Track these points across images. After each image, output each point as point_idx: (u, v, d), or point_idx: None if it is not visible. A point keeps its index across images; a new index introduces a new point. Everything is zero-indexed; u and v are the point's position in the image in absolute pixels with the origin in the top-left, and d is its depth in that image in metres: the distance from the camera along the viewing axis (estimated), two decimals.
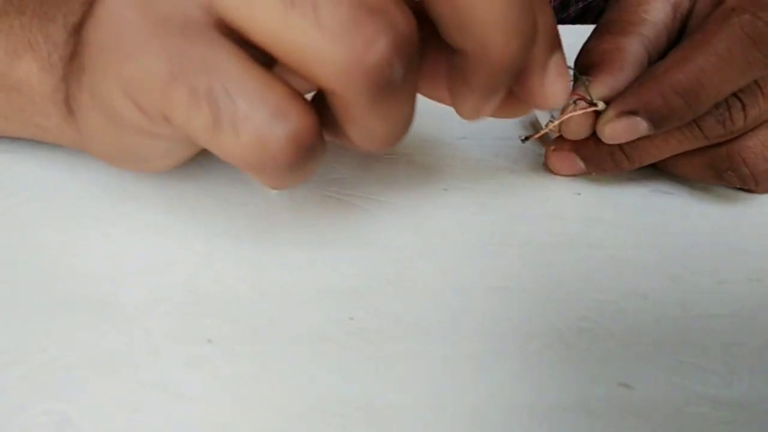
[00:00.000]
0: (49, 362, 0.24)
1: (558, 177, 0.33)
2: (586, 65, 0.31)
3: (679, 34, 0.32)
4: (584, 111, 0.30)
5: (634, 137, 0.29)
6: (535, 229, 0.31)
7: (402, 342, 0.26)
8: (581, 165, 0.32)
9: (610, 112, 0.30)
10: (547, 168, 0.33)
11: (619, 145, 0.30)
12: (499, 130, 0.37)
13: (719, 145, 0.30)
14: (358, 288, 0.28)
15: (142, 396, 0.23)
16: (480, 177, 0.33)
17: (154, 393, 0.23)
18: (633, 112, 0.29)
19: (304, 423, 0.23)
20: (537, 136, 0.32)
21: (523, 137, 0.33)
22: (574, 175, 0.33)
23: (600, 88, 0.30)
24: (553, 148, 0.33)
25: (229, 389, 0.24)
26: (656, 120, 0.29)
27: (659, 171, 0.33)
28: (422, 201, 0.32)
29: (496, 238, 0.30)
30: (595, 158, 0.32)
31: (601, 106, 0.30)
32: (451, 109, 0.40)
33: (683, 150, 0.30)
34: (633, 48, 0.31)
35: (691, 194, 0.32)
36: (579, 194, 0.33)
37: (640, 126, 0.29)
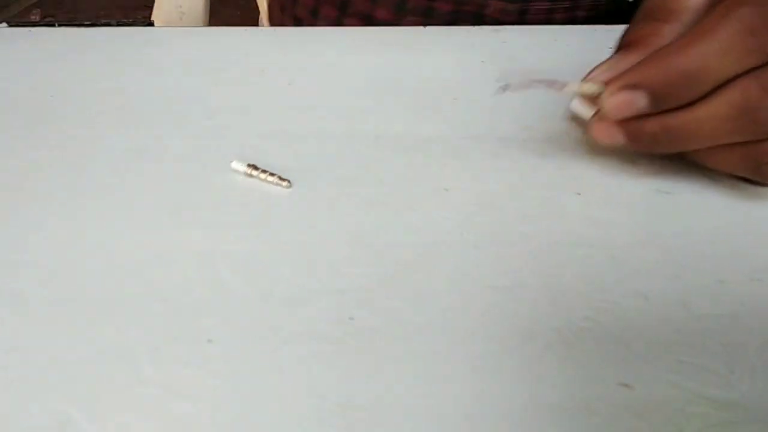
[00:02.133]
0: (49, 362, 0.24)
1: (557, 177, 0.33)
2: (626, 43, 0.33)
3: None
4: (589, 90, 0.31)
5: (635, 112, 0.30)
6: (535, 229, 0.31)
7: (402, 342, 0.26)
8: (621, 138, 0.32)
9: (614, 85, 0.31)
10: (588, 134, 0.33)
11: (663, 127, 0.31)
12: (500, 131, 0.37)
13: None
14: (358, 288, 0.28)
15: (143, 395, 0.23)
16: (480, 177, 0.33)
17: (155, 392, 0.23)
18: (635, 86, 0.30)
19: (304, 423, 0.23)
20: (517, 89, 0.32)
21: (503, 85, 0.32)
22: (612, 145, 0.33)
23: (626, 63, 0.31)
24: (597, 117, 0.33)
25: (229, 389, 0.24)
26: (657, 96, 0.30)
27: (660, 170, 0.33)
28: (422, 201, 0.32)
29: (496, 238, 0.30)
30: (636, 134, 0.32)
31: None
32: (451, 110, 0.40)
33: (731, 141, 0.30)
34: (672, 35, 0.32)
35: (691, 194, 0.32)
36: (579, 194, 0.33)
37: (640, 100, 0.30)
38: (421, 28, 0.49)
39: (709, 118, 0.29)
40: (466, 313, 0.27)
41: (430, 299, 0.27)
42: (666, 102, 0.30)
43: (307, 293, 0.27)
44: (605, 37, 0.47)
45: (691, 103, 0.29)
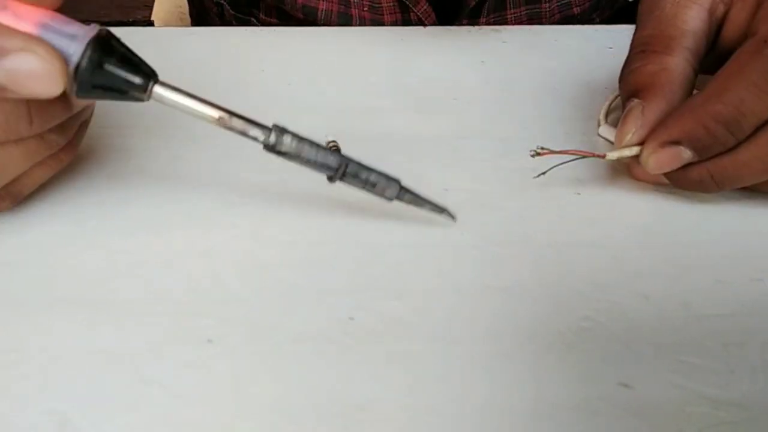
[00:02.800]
0: (49, 362, 0.24)
1: (558, 177, 0.33)
2: (635, 87, 0.31)
3: (716, 38, 0.33)
4: (630, 153, 0.31)
5: (679, 165, 0.30)
6: (535, 230, 0.31)
7: (402, 342, 0.26)
8: (665, 181, 0.32)
9: (653, 143, 0.30)
10: (631, 175, 0.33)
11: (710, 173, 0.30)
12: (500, 131, 0.37)
13: None
14: (358, 288, 0.28)
15: (142, 396, 0.23)
16: (480, 177, 0.33)
17: (154, 392, 0.23)
18: (676, 142, 0.29)
19: (304, 423, 0.23)
20: (547, 153, 0.31)
21: (534, 152, 0.31)
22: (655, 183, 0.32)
23: (654, 112, 0.30)
24: (637, 163, 0.32)
25: (229, 389, 0.24)
26: (699, 148, 0.29)
27: None
28: None
29: (496, 238, 0.30)
30: (682, 181, 0.31)
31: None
32: (451, 110, 0.40)
33: None
34: (679, 66, 0.31)
35: (691, 194, 0.32)
36: (579, 194, 0.33)
37: (684, 155, 0.29)
38: (421, 28, 0.49)
39: (755, 160, 0.29)
40: (466, 313, 0.27)
41: (430, 299, 0.27)
42: (710, 151, 0.29)
43: (307, 293, 0.27)
44: (605, 36, 0.47)
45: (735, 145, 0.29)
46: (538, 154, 0.31)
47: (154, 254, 0.29)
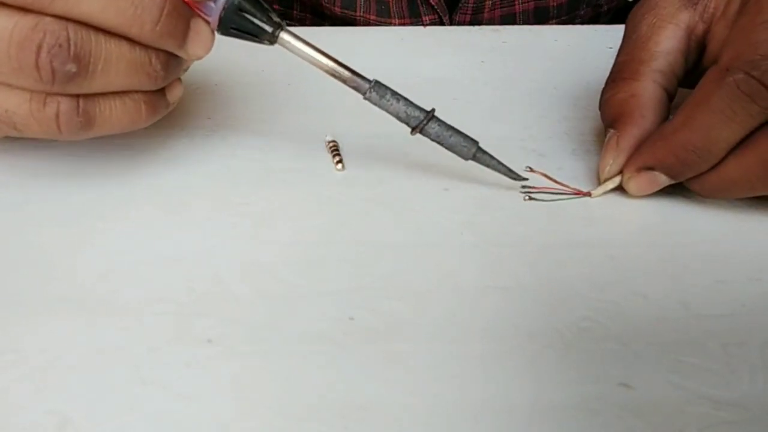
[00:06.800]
0: (49, 362, 0.24)
1: (557, 177, 0.33)
2: (610, 118, 0.33)
3: (699, 55, 0.33)
4: (613, 185, 0.32)
5: (658, 188, 0.31)
6: (535, 230, 0.31)
7: (402, 342, 0.26)
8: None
9: (630, 168, 0.31)
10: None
11: (697, 187, 0.31)
12: (500, 131, 0.37)
13: None
14: (358, 288, 0.28)
15: (142, 396, 0.23)
16: (480, 177, 0.33)
17: (154, 393, 0.23)
18: (650, 168, 0.31)
19: (304, 423, 0.23)
20: (539, 174, 0.33)
21: (528, 168, 0.34)
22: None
23: (628, 140, 0.32)
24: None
25: (229, 389, 0.24)
26: (672, 174, 0.31)
27: None
28: (422, 201, 0.32)
29: (496, 238, 0.30)
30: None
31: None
32: (451, 110, 0.40)
33: None
34: (648, 91, 0.32)
35: (691, 194, 0.32)
36: (578, 194, 0.33)
37: (659, 179, 0.31)
38: (420, 28, 0.49)
39: (743, 179, 0.29)
40: (466, 313, 0.27)
41: (430, 299, 0.27)
42: (684, 175, 0.31)
43: (307, 293, 0.27)
44: (605, 36, 0.47)
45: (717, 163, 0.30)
46: (531, 170, 0.33)
47: (154, 254, 0.29)
